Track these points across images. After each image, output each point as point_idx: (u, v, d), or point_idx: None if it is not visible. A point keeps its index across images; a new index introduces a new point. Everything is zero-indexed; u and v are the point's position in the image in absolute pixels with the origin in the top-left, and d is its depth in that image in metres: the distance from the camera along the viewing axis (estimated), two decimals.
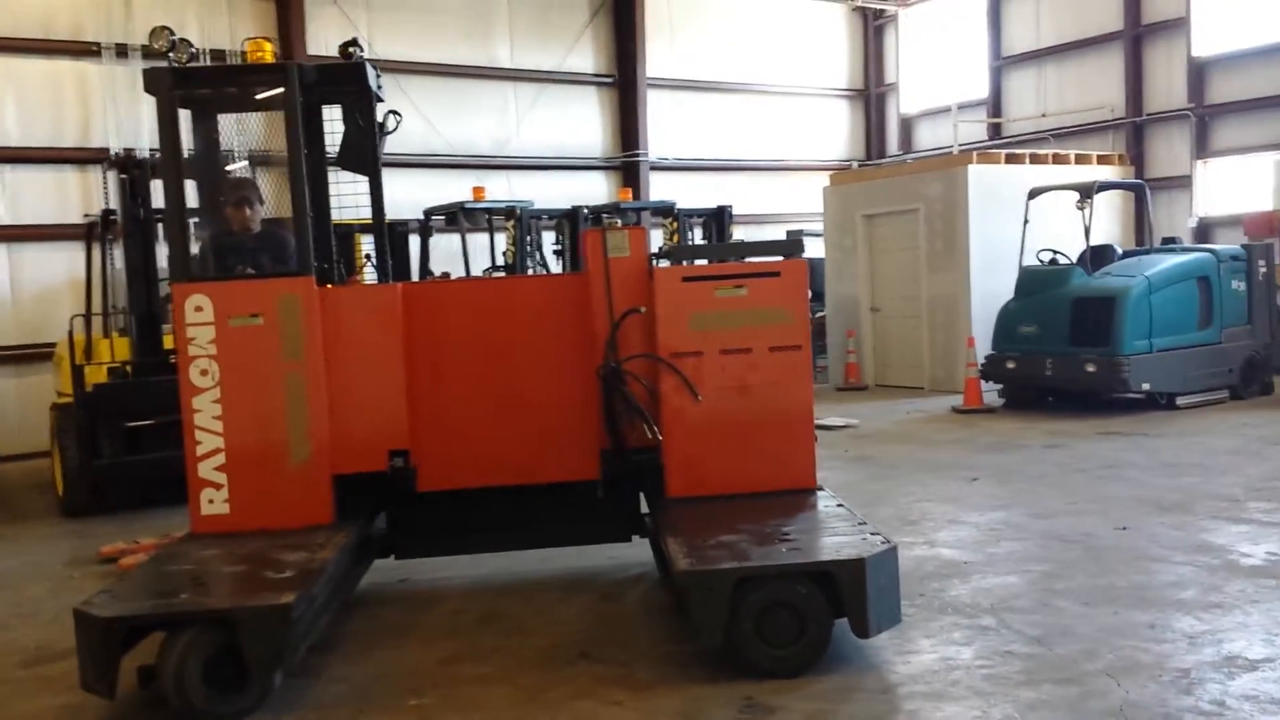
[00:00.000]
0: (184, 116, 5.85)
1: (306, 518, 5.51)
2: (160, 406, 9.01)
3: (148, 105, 13.27)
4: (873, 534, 4.75)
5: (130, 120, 13.44)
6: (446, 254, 14.10)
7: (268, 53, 5.76)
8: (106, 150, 13.02)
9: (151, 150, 13.01)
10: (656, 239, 16.03)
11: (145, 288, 9.17)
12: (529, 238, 12.63)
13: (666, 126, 18.29)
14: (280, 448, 5.55)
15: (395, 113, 6.37)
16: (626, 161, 17.84)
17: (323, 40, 14.67)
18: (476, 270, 13.19)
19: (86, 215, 11.92)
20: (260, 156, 6.42)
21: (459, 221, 12.66)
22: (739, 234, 15.80)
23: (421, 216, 12.68)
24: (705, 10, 18.68)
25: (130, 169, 9.21)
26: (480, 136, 16.34)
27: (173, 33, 5.70)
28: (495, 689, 4.60)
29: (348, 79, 6.05)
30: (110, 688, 4.34)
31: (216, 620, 4.31)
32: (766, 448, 5.58)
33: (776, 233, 17.61)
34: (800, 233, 17.12)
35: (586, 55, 17.58)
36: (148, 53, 13.39)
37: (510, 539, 6.25)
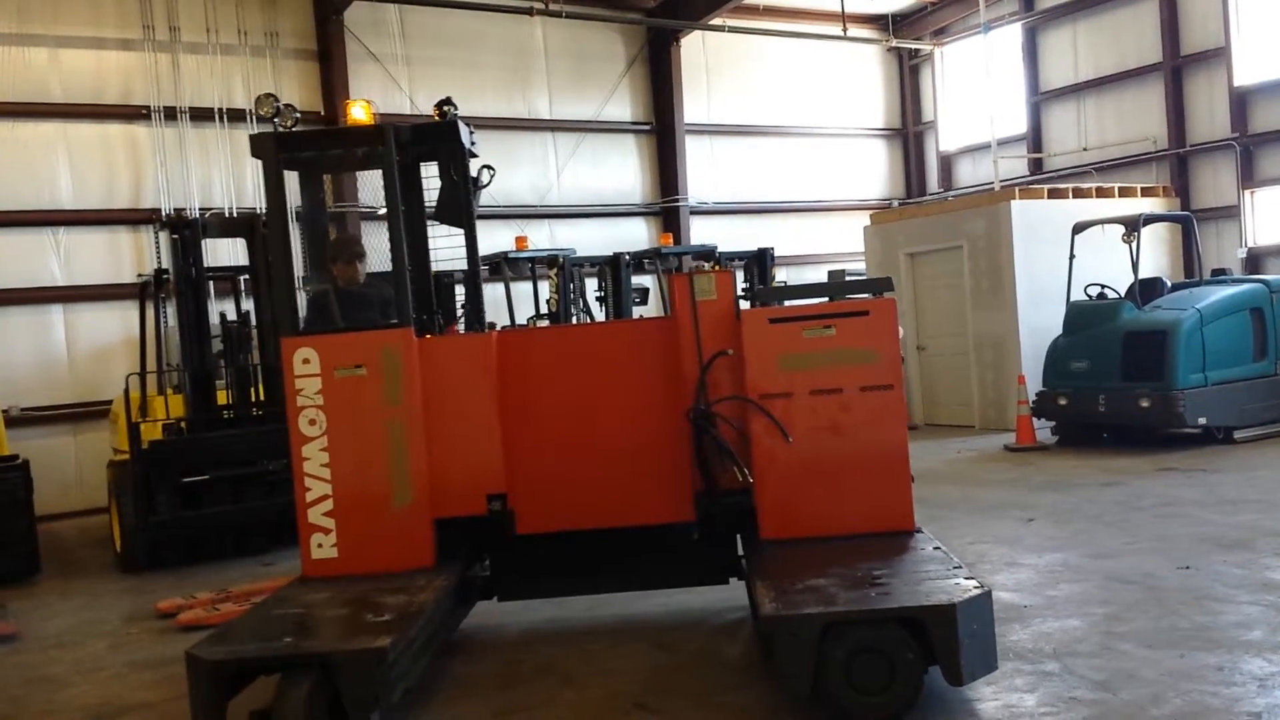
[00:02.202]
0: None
1: (409, 561, 5.68)
2: (215, 462, 9.19)
3: (196, 166, 13.80)
4: (967, 578, 4.62)
5: (180, 180, 13.76)
6: (490, 303, 14.19)
7: (367, 114, 6.01)
8: (158, 210, 13.31)
9: (202, 209, 13.31)
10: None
11: (198, 345, 9.33)
12: (571, 285, 12.71)
13: (705, 171, 18.41)
14: (383, 493, 5.74)
15: (489, 167, 6.61)
16: (666, 207, 17.95)
17: (367, 97, 14.94)
18: (521, 319, 13.28)
19: (139, 275, 12.16)
20: (365, 213, 6.60)
21: (502, 271, 12.78)
22: (781, 276, 15.80)
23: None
24: (740, 55, 18.82)
25: (181, 228, 9.41)
26: (522, 186, 16.53)
27: (277, 100, 6.00)
28: None
29: (442, 137, 6.29)
30: None
31: (315, 663, 4.43)
32: (861, 489, 5.52)
33: (818, 274, 17.58)
34: (842, 273, 17.07)
35: (624, 104, 17.78)
36: (195, 115, 13.81)
37: (609, 581, 6.32)
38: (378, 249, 6.32)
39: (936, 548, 5.23)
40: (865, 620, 4.37)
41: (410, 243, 6.20)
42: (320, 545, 5.74)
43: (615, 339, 6.35)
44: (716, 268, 6.04)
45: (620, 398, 5.93)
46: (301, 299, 6.34)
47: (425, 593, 5.22)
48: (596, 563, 6.14)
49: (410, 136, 6.20)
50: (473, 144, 6.39)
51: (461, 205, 6.40)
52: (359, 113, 6.01)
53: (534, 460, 5.90)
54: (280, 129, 5.95)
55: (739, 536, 6.04)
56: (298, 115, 6.08)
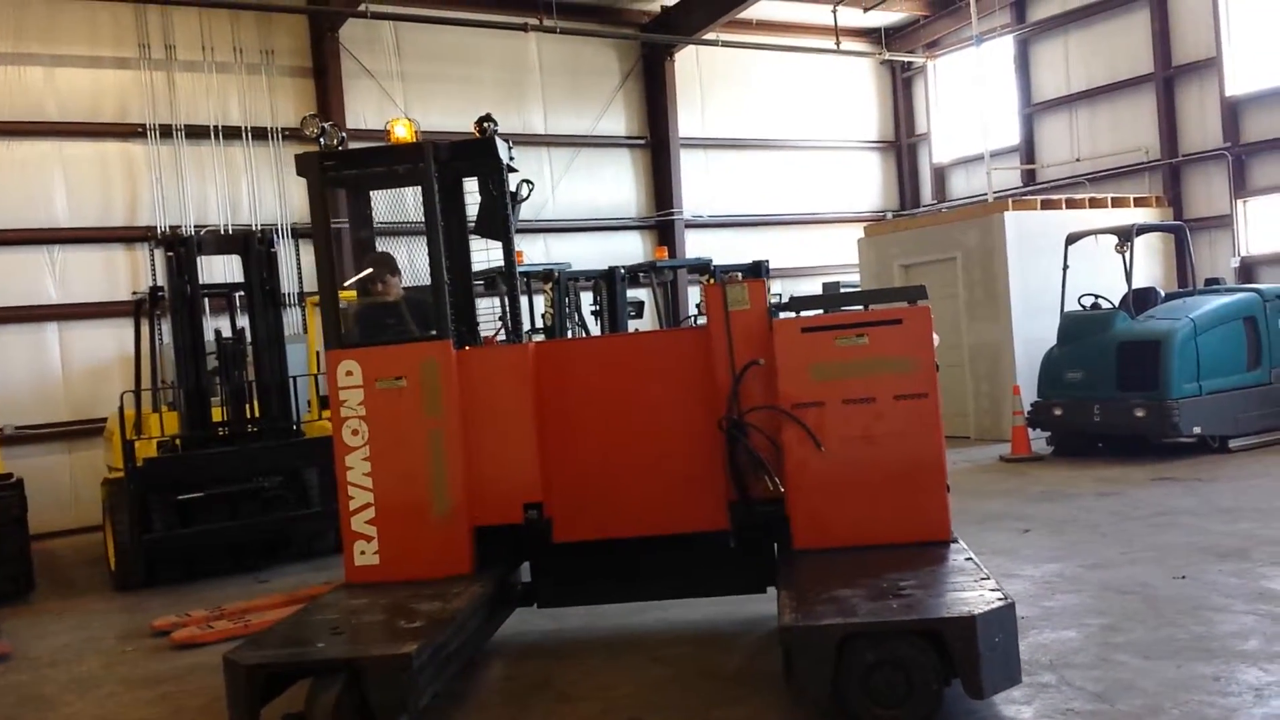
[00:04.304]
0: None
1: (448, 568, 5.78)
2: (210, 479, 9.17)
3: (191, 183, 13.82)
4: (992, 590, 4.58)
5: (175, 197, 13.78)
6: (483, 318, 14.20)
7: (409, 133, 6.14)
8: (153, 228, 13.33)
9: (198, 227, 13.32)
10: (693, 295, 16.14)
11: (193, 362, 9.32)
12: (567, 299, 12.71)
13: (700, 184, 18.45)
14: (423, 501, 5.86)
15: (528, 182, 6.76)
16: (661, 220, 17.98)
17: (361, 114, 15.01)
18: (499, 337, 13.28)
19: (135, 292, 12.16)
20: (407, 227, 6.73)
21: (497, 286, 12.78)
22: (776, 288, 15.82)
23: None
24: (733, 69, 18.88)
25: (176, 246, 9.39)
26: None
27: (321, 120, 6.13)
28: None
29: (481, 153, 6.41)
30: None
31: (344, 668, 4.53)
32: (895, 499, 5.49)
33: (813, 286, 17.60)
34: (837, 285, 17.11)
35: (619, 119, 17.83)
36: (190, 133, 13.83)
37: (647, 589, 6.37)
38: (419, 263, 6.44)
39: (968, 559, 5.18)
40: (883, 632, 4.34)
41: (451, 256, 6.38)
42: (363, 552, 5.86)
43: (651, 349, 6.40)
44: (748, 280, 6.07)
45: (655, 407, 6.00)
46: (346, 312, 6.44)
47: (459, 600, 5.31)
48: (634, 570, 6.20)
49: (450, 153, 6.32)
50: (511, 159, 6.53)
51: (500, 219, 6.52)
52: (401, 131, 6.15)
53: (570, 469, 6.00)
54: (325, 148, 6.10)
55: (775, 545, 6.04)
56: (343, 135, 6.22)
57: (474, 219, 6.67)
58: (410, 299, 6.58)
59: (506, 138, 6.55)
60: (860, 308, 6.00)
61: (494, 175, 6.51)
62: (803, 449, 5.54)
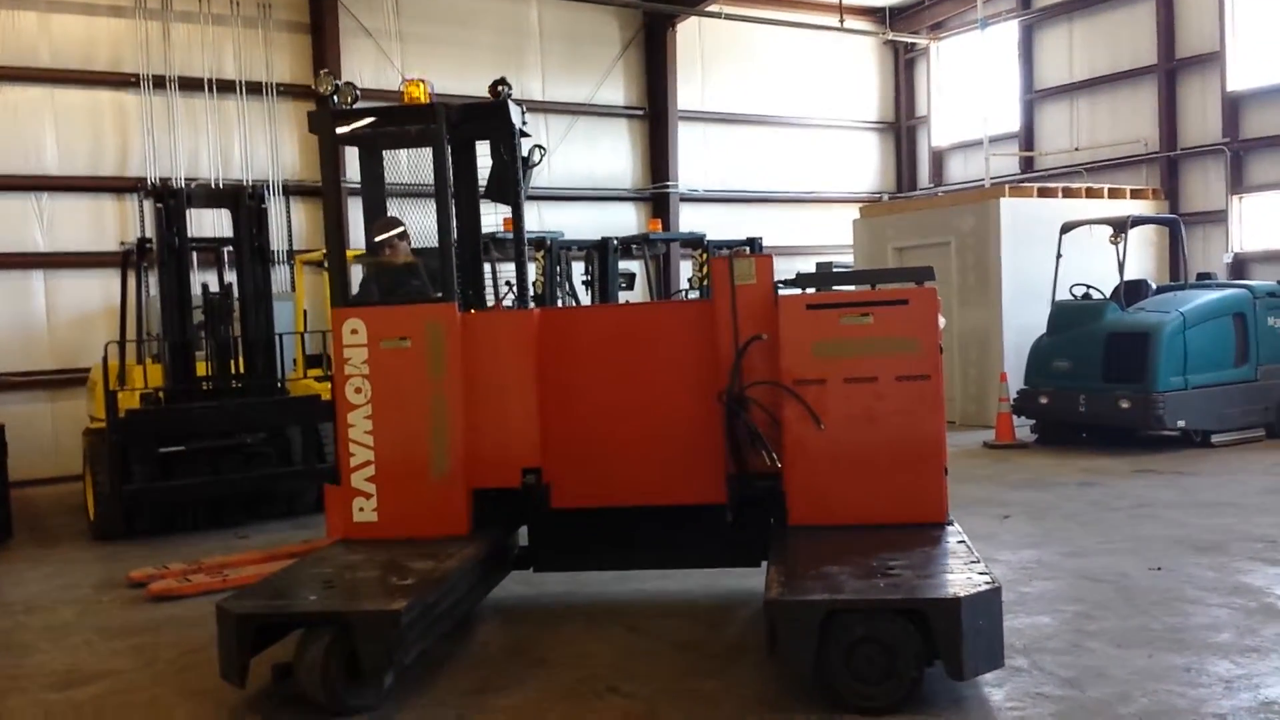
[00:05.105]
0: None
1: (445, 528, 5.85)
2: (192, 433, 9.14)
3: (183, 136, 13.70)
4: (980, 574, 4.59)
5: (166, 149, 13.66)
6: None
7: (422, 94, 6.10)
8: (143, 179, 13.20)
9: (188, 179, 13.21)
10: (685, 270, 16.10)
11: (179, 315, 9.26)
12: (558, 268, 12.67)
13: (696, 158, 18.37)
14: (423, 462, 5.90)
15: (540, 147, 6.74)
16: (656, 193, 17.90)
17: (358, 72, 14.85)
18: (506, 301, 13.23)
19: (123, 243, 12.08)
20: (417, 189, 6.71)
21: (489, 252, 12.70)
22: None
23: None
24: (736, 43, 18.76)
25: (166, 198, 9.31)
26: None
27: (336, 78, 6.10)
28: None
29: (493, 116, 6.39)
30: (242, 678, 4.69)
31: (334, 621, 4.62)
32: (893, 479, 5.48)
33: (806, 265, 17.58)
34: (830, 265, 17.08)
35: (618, 88, 17.71)
36: (184, 84, 13.69)
37: (643, 558, 6.41)
38: (429, 226, 6.42)
39: (961, 541, 5.19)
40: (867, 610, 4.36)
41: (462, 220, 6.34)
42: (361, 509, 5.91)
43: (655, 320, 6.37)
44: (755, 255, 6.05)
45: (657, 378, 5.99)
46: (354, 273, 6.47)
47: (453, 560, 5.35)
48: (631, 539, 6.22)
49: (462, 115, 6.29)
50: (524, 124, 6.49)
51: (510, 184, 6.49)
52: (415, 92, 6.11)
53: (570, 436, 6.01)
54: (340, 106, 6.08)
55: (771, 520, 6.04)
56: (358, 93, 6.16)
57: (485, 183, 6.65)
58: (419, 261, 6.56)
59: (521, 103, 6.51)
60: (867, 287, 5.96)
61: (506, 139, 6.47)
62: (802, 426, 5.53)
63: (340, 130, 6.15)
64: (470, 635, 5.90)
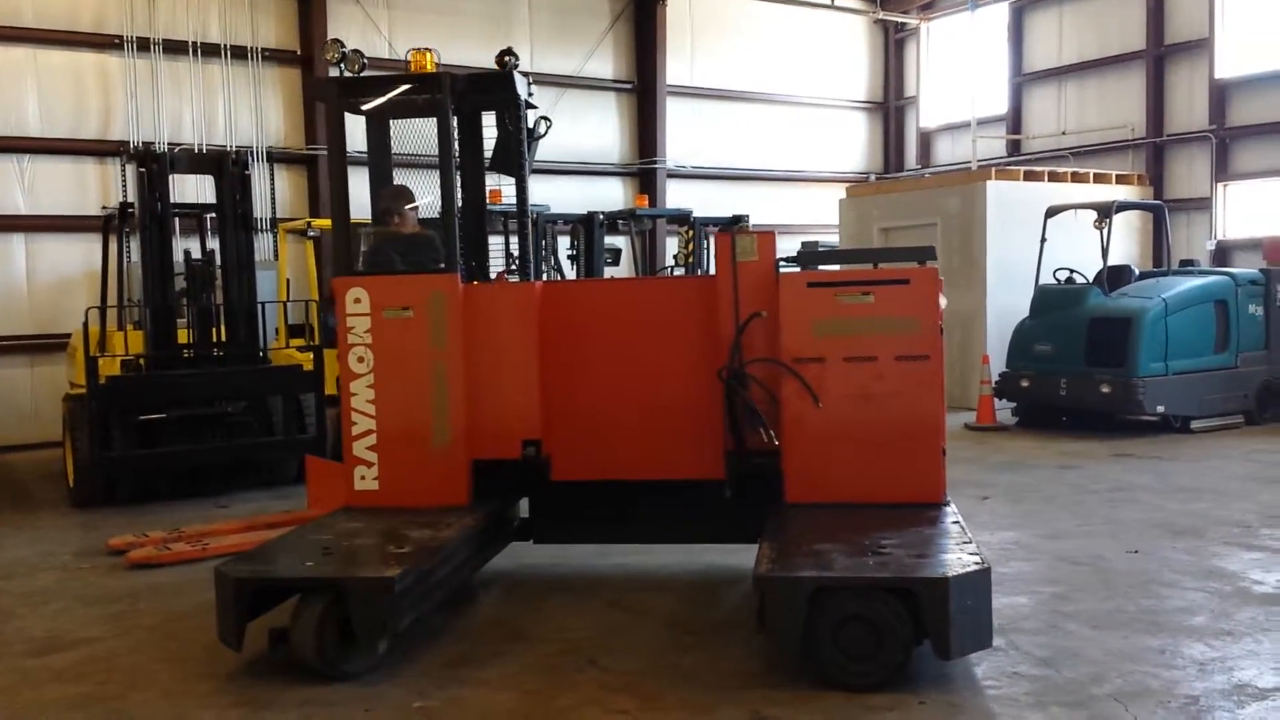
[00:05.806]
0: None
1: (445, 498, 5.88)
2: (172, 401, 9.09)
3: (167, 100, 13.54)
4: (971, 554, 4.60)
5: (149, 113, 13.52)
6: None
7: (429, 63, 6.09)
8: (126, 143, 13.07)
9: (171, 144, 13.08)
10: (670, 247, 16.06)
11: (160, 281, 9.18)
12: (544, 242, 12.61)
13: (684, 134, 18.29)
14: (424, 431, 5.93)
15: (546, 119, 6.71)
16: (643, 168, 17.84)
17: (344, 38, 14.63)
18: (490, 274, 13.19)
19: (105, 207, 11.96)
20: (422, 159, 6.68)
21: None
22: None
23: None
24: (726, 19, 18.68)
25: (149, 162, 9.20)
26: None
27: (343, 45, 6.09)
28: (501, 694, 4.58)
29: (499, 87, 6.37)
30: (238, 642, 4.73)
31: (329, 587, 4.66)
32: (890, 458, 5.48)
33: (792, 244, 17.58)
34: (815, 244, 17.08)
35: (606, 61, 17.61)
36: (168, 48, 13.53)
37: (642, 532, 6.42)
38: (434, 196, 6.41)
39: (955, 522, 5.21)
40: (855, 588, 4.38)
41: (465, 191, 6.35)
42: (363, 478, 5.94)
43: (657, 295, 6.38)
44: (758, 232, 6.00)
45: (658, 353, 6.00)
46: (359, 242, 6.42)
47: (450, 530, 5.40)
48: (630, 513, 6.25)
49: (467, 86, 6.26)
50: (530, 95, 6.45)
51: (515, 155, 6.47)
52: (422, 61, 6.09)
53: (571, 409, 6.04)
54: (347, 74, 6.08)
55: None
56: (364, 61, 6.13)
57: (490, 154, 6.62)
58: (424, 232, 6.54)
59: (528, 74, 6.48)
60: (868, 266, 5.94)
61: (511, 111, 6.44)
62: (800, 403, 5.53)
63: (364, 106, 6.18)
64: (454, 608, 5.90)
